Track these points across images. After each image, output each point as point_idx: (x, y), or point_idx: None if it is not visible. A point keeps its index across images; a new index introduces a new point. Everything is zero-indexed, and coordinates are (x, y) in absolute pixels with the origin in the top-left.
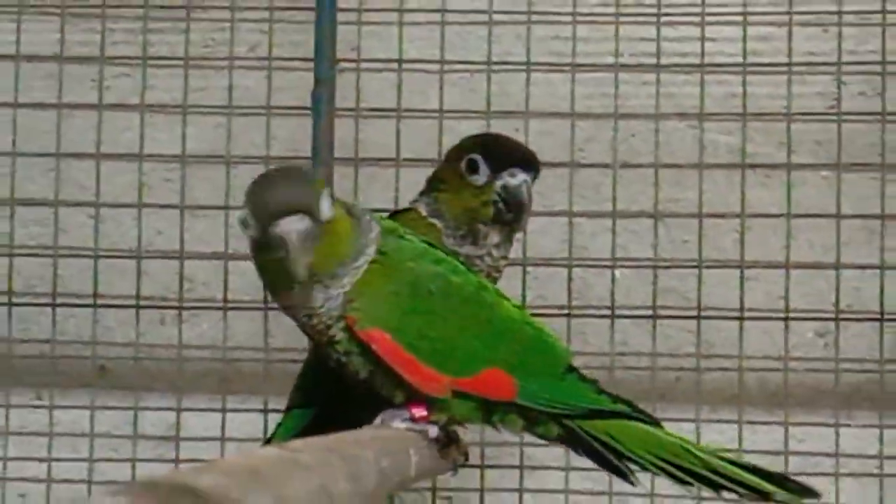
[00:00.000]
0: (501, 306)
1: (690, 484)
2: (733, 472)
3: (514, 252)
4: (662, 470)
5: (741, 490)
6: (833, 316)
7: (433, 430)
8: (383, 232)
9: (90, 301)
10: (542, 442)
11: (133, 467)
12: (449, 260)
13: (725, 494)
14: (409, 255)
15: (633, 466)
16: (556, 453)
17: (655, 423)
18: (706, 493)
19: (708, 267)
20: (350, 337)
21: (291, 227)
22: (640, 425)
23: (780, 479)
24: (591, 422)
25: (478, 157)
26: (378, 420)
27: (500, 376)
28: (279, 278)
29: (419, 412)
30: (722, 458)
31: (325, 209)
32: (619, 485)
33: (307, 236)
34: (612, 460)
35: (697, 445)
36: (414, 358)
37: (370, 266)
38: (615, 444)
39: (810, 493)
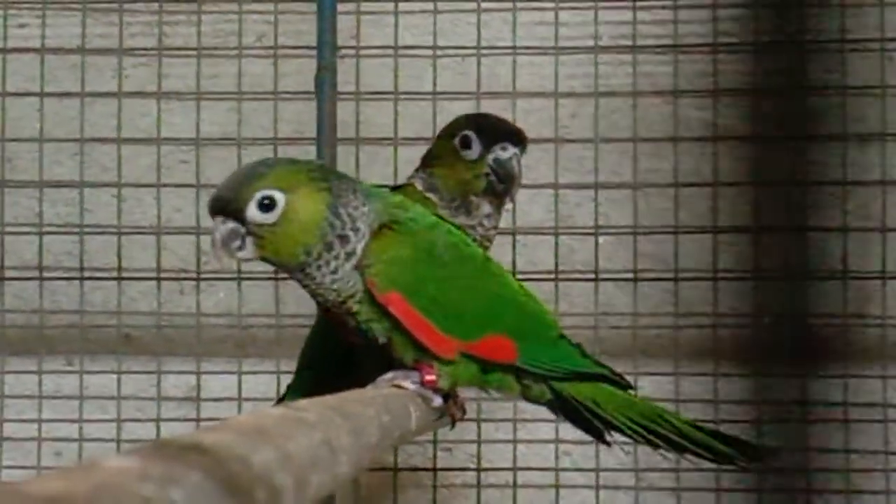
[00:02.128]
0: (504, 277)
1: (660, 447)
2: (700, 437)
3: (505, 222)
4: (637, 433)
5: (707, 454)
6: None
7: (437, 400)
8: (391, 204)
9: (115, 274)
10: None
11: (158, 427)
12: (459, 233)
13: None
14: (424, 224)
15: (614, 430)
16: None
17: (628, 385)
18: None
19: (684, 232)
20: (370, 301)
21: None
22: (620, 392)
23: (741, 443)
24: (577, 387)
25: (470, 133)
26: (388, 375)
27: (503, 341)
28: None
29: (429, 376)
30: (689, 424)
31: (255, 213)
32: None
33: (229, 238)
34: (593, 421)
35: (668, 412)
36: (427, 321)
37: (384, 233)
38: (597, 408)
39: (769, 453)
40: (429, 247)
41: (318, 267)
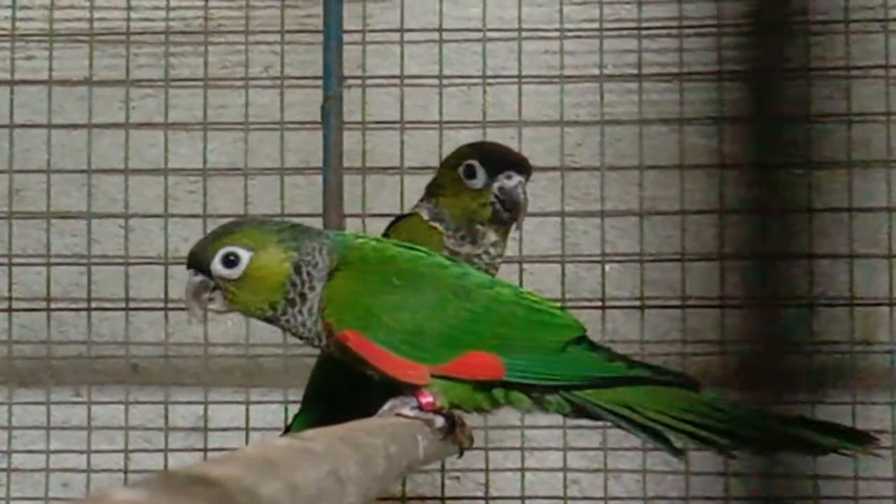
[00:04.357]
0: (484, 292)
1: (721, 445)
2: (778, 429)
3: (512, 250)
4: (691, 434)
5: (791, 446)
6: (807, 301)
7: (439, 421)
8: (348, 247)
9: (122, 304)
10: (543, 424)
11: (165, 457)
12: (427, 257)
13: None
14: (379, 258)
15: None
16: (556, 435)
17: (694, 382)
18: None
19: (690, 259)
20: (334, 341)
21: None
22: (663, 389)
23: (836, 430)
24: (602, 393)
25: (475, 162)
26: (387, 406)
27: (482, 357)
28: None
29: (425, 399)
30: (765, 415)
31: (220, 267)
32: (613, 462)
33: (199, 290)
34: (632, 429)
35: (735, 404)
36: (386, 351)
37: (335, 276)
38: (632, 413)
39: (868, 439)
40: (379, 279)
41: (287, 320)
